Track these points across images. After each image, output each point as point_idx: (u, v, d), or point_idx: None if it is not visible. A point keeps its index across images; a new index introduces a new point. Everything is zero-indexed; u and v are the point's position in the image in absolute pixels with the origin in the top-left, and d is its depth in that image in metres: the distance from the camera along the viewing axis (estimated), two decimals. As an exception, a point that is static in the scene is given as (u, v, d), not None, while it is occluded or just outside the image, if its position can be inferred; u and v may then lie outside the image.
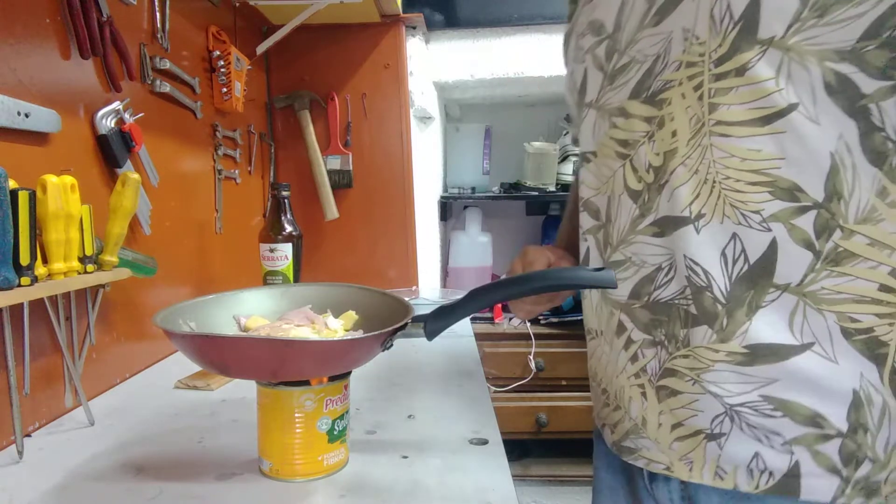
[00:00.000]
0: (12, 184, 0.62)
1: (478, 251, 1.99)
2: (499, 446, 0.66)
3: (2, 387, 0.66)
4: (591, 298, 0.64)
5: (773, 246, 0.48)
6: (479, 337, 1.42)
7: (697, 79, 0.49)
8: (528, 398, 1.76)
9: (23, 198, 0.62)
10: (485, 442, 0.68)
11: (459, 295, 1.70)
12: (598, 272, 0.53)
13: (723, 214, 0.49)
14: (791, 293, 0.48)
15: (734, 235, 0.49)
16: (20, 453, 0.64)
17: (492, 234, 2.07)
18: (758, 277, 0.49)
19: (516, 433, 1.75)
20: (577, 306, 1.76)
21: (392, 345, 0.58)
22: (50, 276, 0.68)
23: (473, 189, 2.15)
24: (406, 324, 0.58)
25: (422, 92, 1.75)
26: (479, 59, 1.80)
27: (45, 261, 0.68)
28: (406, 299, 0.64)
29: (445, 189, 2.16)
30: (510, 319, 1.83)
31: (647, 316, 0.56)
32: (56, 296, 0.72)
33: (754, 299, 0.49)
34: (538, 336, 1.75)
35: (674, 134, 0.52)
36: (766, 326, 0.49)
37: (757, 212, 0.48)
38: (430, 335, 0.59)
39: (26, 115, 0.70)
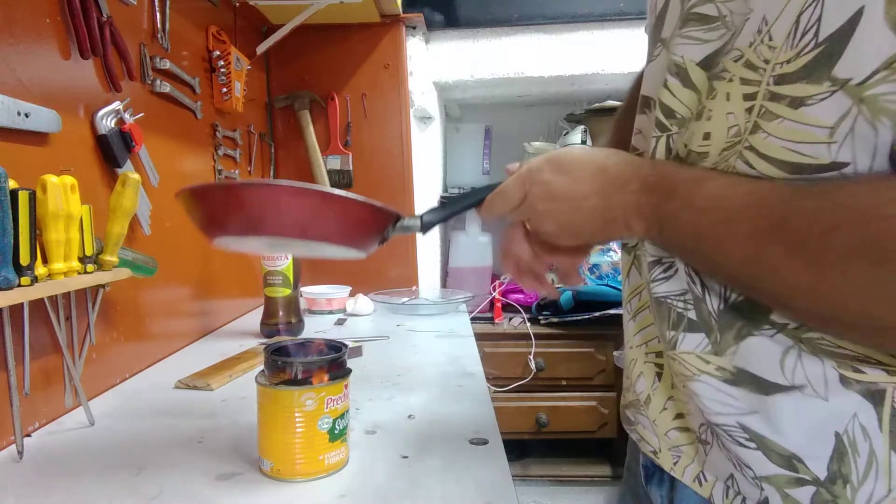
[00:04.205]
0: (12, 184, 0.62)
1: (478, 251, 1.99)
2: (499, 446, 0.66)
3: (2, 387, 0.66)
4: (632, 265, 0.58)
5: None
6: (479, 337, 1.42)
7: (752, 87, 0.40)
8: (528, 398, 1.76)
9: (23, 198, 0.62)
10: (485, 442, 0.68)
11: (460, 295, 1.69)
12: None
13: None
14: (786, 335, 0.42)
15: None
16: (20, 453, 0.65)
17: (492, 234, 2.07)
18: (755, 312, 0.44)
19: (516, 433, 1.75)
20: (577, 306, 1.76)
21: (388, 237, 0.58)
22: (50, 276, 0.68)
23: (473, 189, 2.14)
24: (399, 216, 0.57)
25: (422, 92, 1.75)
26: (479, 59, 1.80)
27: (45, 261, 0.68)
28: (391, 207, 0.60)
29: (445, 189, 2.16)
30: (510, 319, 1.83)
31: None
32: (56, 296, 0.72)
33: (745, 328, 0.44)
34: (538, 336, 1.75)
35: (706, 136, 0.44)
36: (753, 358, 0.44)
37: None
38: (426, 227, 0.59)
39: (26, 115, 0.70)
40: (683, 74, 0.46)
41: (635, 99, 0.62)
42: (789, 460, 0.43)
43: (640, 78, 0.69)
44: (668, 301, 0.49)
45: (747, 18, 0.40)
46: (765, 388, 0.43)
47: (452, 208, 0.61)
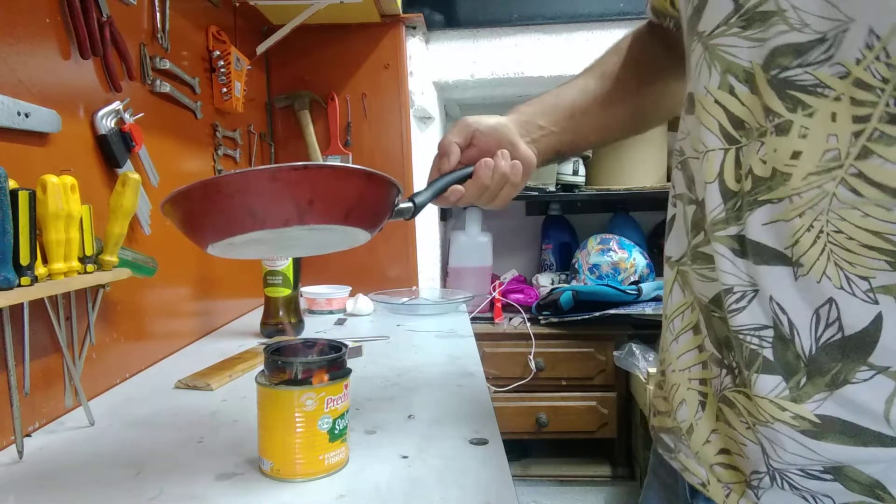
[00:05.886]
0: (12, 184, 0.62)
1: (478, 251, 1.99)
2: (499, 446, 0.66)
3: (2, 387, 0.66)
4: (676, 281, 0.53)
5: (877, 322, 0.38)
6: (479, 337, 1.42)
7: (865, 109, 0.36)
8: (528, 398, 1.76)
9: (23, 198, 0.62)
10: (485, 442, 0.68)
11: (460, 295, 1.68)
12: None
13: (822, 273, 0.39)
14: (889, 377, 0.38)
15: (831, 300, 0.39)
16: (20, 453, 0.65)
17: (492, 234, 2.07)
18: (851, 351, 0.39)
19: (516, 433, 1.75)
20: (577, 306, 1.76)
21: (381, 228, 0.60)
22: (50, 276, 0.68)
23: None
24: (398, 202, 0.59)
25: (422, 92, 1.75)
26: (479, 59, 1.80)
27: (45, 261, 0.68)
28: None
29: (445, 189, 2.16)
30: (510, 319, 1.83)
31: (722, 332, 0.47)
32: (56, 296, 0.72)
33: (841, 372, 0.40)
34: (538, 336, 1.75)
35: (794, 155, 0.39)
36: (850, 406, 0.39)
37: (865, 278, 0.38)
38: (418, 209, 0.63)
39: (26, 115, 0.70)
40: (752, 81, 0.41)
41: (630, 65, 0.70)
42: (872, 489, 0.40)
43: (634, 43, 0.72)
44: (746, 337, 0.44)
45: (845, 29, 0.36)
46: (863, 439, 0.39)
47: (438, 185, 0.65)
